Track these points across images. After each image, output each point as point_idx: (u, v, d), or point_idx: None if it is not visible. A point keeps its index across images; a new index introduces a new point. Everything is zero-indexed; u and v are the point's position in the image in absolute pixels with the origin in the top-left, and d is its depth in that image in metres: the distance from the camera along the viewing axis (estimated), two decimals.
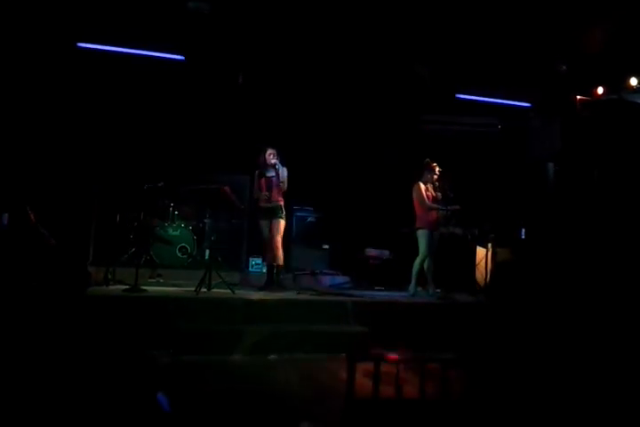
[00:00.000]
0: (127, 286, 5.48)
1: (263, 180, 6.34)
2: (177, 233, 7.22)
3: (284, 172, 6.24)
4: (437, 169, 6.71)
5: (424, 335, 5.18)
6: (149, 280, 6.20)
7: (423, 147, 8.60)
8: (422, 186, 6.66)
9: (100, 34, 7.19)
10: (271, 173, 6.29)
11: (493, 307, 5.71)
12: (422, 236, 6.49)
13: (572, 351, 4.70)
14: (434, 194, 6.67)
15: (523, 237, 7.04)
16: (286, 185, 6.27)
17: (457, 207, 6.65)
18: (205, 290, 5.63)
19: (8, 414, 2.99)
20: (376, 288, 6.79)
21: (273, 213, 6.23)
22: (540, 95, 8.34)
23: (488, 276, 6.54)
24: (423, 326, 5.35)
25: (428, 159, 6.75)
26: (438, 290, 6.44)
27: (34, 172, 7.01)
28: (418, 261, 6.48)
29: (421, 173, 6.73)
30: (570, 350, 4.73)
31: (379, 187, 7.94)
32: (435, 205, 6.59)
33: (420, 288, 6.57)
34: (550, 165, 7.88)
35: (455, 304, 5.90)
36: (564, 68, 7.60)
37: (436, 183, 6.70)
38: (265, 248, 6.37)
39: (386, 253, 6.93)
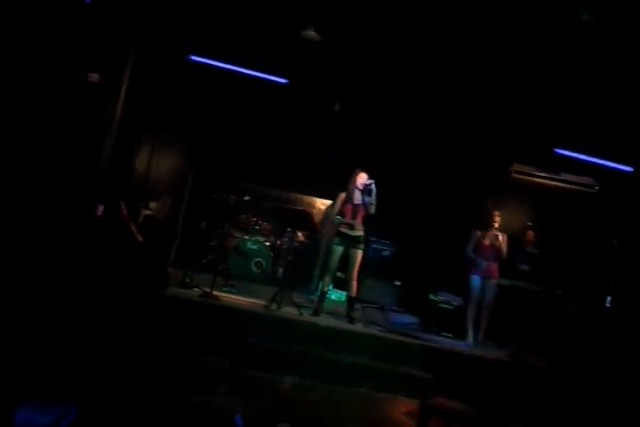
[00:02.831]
0: (203, 292, 5.61)
1: (350, 205, 6.09)
2: (255, 247, 7.35)
3: (373, 192, 5.99)
4: (496, 216, 6.53)
5: (487, 392, 5.01)
6: (222, 288, 6.31)
7: (512, 198, 8.46)
8: (477, 233, 6.54)
9: (213, 49, 7.53)
10: (358, 200, 6.07)
11: (567, 376, 5.43)
12: (470, 280, 6.44)
13: None
14: (487, 242, 6.45)
15: (607, 305, 6.70)
16: (375, 209, 6.03)
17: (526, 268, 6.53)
18: (275, 308, 5.67)
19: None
20: (442, 334, 6.60)
21: (354, 243, 6.03)
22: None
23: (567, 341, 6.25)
24: (487, 383, 5.17)
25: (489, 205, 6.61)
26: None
27: (132, 168, 7.37)
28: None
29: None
30: None
31: (462, 230, 7.79)
32: (471, 255, 6.48)
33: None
34: None
35: (526, 365, 5.64)
36: None
37: (496, 231, 6.50)
38: (325, 273, 6.13)
39: (458, 299, 6.75)
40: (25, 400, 3.01)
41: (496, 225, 6.53)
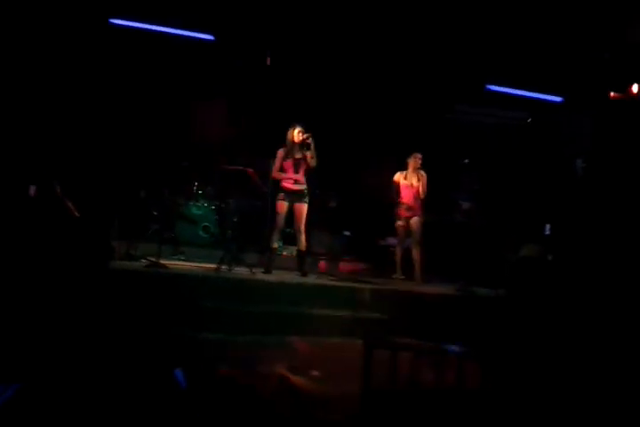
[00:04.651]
0: (150, 262, 5.54)
1: (290, 160, 6.06)
2: (200, 212, 7.28)
3: (311, 145, 5.98)
4: (414, 157, 6.82)
5: (440, 327, 5.19)
6: (172, 257, 6.26)
7: (451, 137, 8.56)
8: (398, 175, 6.89)
9: (132, 10, 7.20)
10: (298, 154, 6.05)
11: (513, 301, 5.68)
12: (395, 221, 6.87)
13: (589, 348, 4.67)
14: (408, 183, 6.81)
15: (547, 232, 6.98)
16: (315, 162, 6.03)
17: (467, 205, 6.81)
18: (226, 269, 5.67)
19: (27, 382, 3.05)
20: (393, 276, 6.81)
21: (299, 197, 6.04)
22: (572, 90, 8.19)
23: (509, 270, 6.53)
24: (440, 318, 5.36)
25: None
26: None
27: (61, 144, 7.09)
28: None
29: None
30: (587, 347, 4.69)
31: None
32: (394, 197, 6.88)
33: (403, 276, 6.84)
34: (579, 161, 7.76)
35: (473, 297, 5.88)
36: (607, 56, 7.41)
37: (416, 171, 6.83)
38: (275, 231, 6.12)
39: (407, 242, 6.92)
40: None
41: (416, 165, 6.82)
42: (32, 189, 5.90)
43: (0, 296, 4.24)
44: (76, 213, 5.76)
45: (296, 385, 3.50)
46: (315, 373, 4.15)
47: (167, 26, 7.58)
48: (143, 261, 5.68)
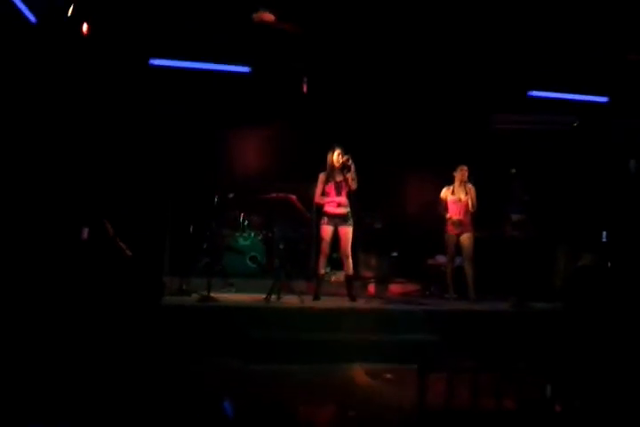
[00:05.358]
0: (201, 296, 5.61)
1: (332, 184, 6.06)
2: (247, 243, 7.35)
3: (352, 167, 5.99)
4: (461, 170, 6.66)
5: (498, 345, 5.01)
6: (222, 290, 6.32)
7: (495, 148, 8.36)
8: (445, 191, 6.71)
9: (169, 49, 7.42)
10: (339, 177, 6.05)
11: (571, 314, 5.43)
12: (445, 237, 6.67)
13: None
14: (455, 197, 6.63)
15: (604, 240, 6.67)
16: (356, 183, 6.02)
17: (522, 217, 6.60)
18: (275, 299, 5.67)
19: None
20: (446, 296, 6.64)
21: (342, 220, 6.00)
22: (618, 89, 7.88)
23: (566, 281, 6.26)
24: (496, 336, 5.17)
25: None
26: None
27: (109, 184, 7.34)
28: None
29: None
30: None
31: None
32: (442, 213, 6.69)
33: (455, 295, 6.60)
34: (632, 161, 7.43)
35: (530, 312, 5.65)
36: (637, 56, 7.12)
37: (463, 185, 6.65)
38: (321, 256, 6.09)
39: (458, 259, 6.73)
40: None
41: (463, 178, 6.66)
42: (85, 232, 6.12)
43: (62, 340, 4.38)
44: (129, 253, 5.93)
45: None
46: (388, 375, 4.16)
47: (203, 61, 7.76)
48: (195, 295, 5.76)
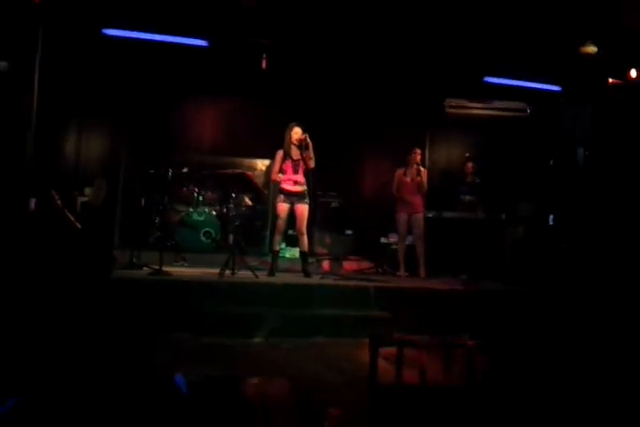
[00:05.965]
0: (153, 270, 5.53)
1: (289, 162, 6.03)
2: (201, 218, 7.26)
3: (309, 146, 5.94)
4: (414, 153, 6.89)
5: (447, 322, 5.15)
6: (174, 264, 6.24)
7: (448, 132, 8.49)
8: (398, 172, 6.95)
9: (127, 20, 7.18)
10: (297, 155, 6.02)
11: (517, 293, 5.64)
12: (397, 218, 6.88)
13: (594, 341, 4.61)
14: (409, 179, 6.86)
15: (551, 223, 6.91)
16: (314, 162, 6.01)
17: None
18: (230, 274, 5.65)
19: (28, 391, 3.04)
20: (397, 273, 6.78)
21: (299, 198, 6.01)
22: (570, 78, 8.11)
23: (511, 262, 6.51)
24: (446, 313, 5.31)
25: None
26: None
27: (58, 154, 7.10)
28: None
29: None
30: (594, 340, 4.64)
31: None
32: (395, 193, 6.94)
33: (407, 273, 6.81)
34: (580, 149, 7.68)
35: (479, 290, 5.82)
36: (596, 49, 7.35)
37: (416, 167, 6.86)
38: (276, 233, 6.09)
39: (410, 238, 6.88)
40: None
41: (416, 161, 6.89)
42: (32, 203, 5.92)
43: (4, 310, 4.26)
44: (78, 225, 5.78)
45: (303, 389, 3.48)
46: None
47: (159, 33, 7.56)
48: (146, 269, 5.67)
